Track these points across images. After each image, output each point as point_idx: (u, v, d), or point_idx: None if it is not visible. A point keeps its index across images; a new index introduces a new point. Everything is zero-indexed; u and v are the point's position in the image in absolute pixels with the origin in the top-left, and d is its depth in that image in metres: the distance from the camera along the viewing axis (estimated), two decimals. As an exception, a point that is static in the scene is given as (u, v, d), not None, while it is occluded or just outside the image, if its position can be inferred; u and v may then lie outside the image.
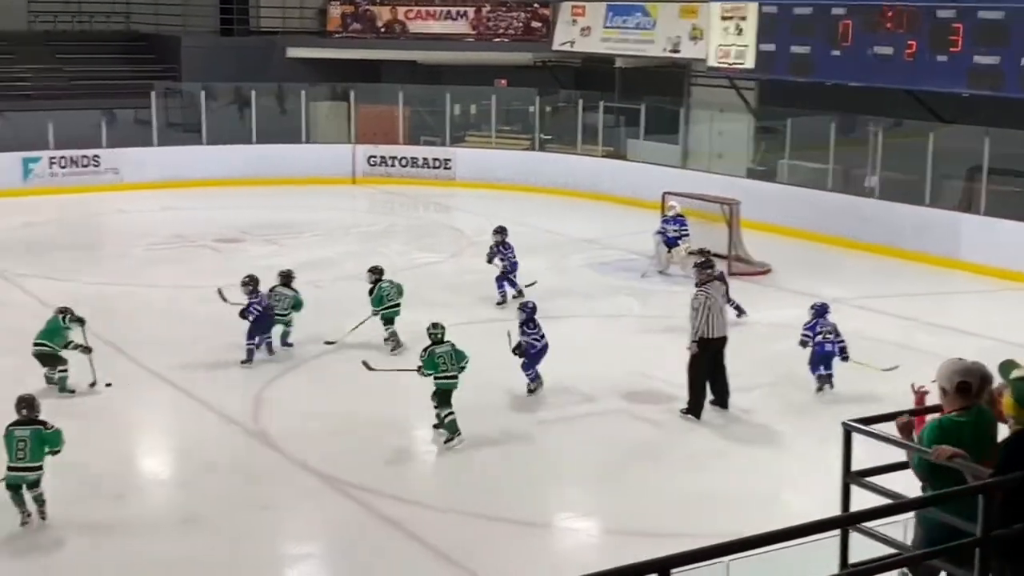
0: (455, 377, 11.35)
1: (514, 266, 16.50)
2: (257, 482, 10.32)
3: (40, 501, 9.30)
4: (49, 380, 12.40)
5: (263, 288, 13.90)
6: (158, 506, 10.23)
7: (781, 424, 11.83)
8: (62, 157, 24.83)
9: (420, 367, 11.44)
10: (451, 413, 11.17)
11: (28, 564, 8.91)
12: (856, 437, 5.72)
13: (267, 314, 13.62)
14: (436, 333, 11.56)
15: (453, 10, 28.36)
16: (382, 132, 27.47)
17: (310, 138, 27.44)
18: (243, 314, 13.44)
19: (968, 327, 15.02)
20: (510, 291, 16.35)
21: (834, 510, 5.61)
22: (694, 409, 11.82)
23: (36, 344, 12.50)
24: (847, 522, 5.43)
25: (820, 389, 12.55)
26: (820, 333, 12.71)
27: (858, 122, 21.96)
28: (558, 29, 27.05)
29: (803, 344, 12.76)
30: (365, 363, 12.21)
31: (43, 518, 9.32)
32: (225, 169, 25.64)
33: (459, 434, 11.10)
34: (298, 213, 22.90)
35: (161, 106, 26.88)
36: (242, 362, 13.31)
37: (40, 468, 9.28)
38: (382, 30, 28.88)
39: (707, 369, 11.94)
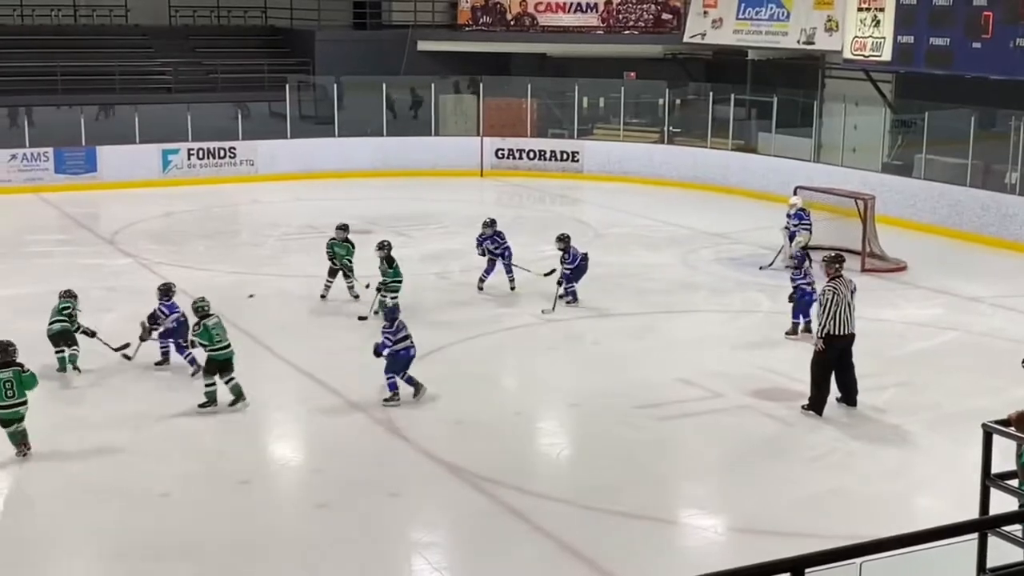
0: (229, 347, 11.86)
1: (508, 254, 16.42)
2: (385, 470, 10.51)
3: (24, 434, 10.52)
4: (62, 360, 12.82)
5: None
6: (289, 491, 10.51)
7: (913, 424, 11.57)
8: (200, 149, 25.57)
9: (193, 341, 12.03)
10: (232, 378, 11.74)
11: (169, 547, 9.22)
12: (995, 439, 5.60)
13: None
14: (203, 307, 11.99)
15: (583, 2, 28.36)
16: (510, 125, 27.64)
17: (439, 131, 27.73)
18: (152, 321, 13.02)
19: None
20: (515, 274, 16.33)
21: (967, 513, 5.51)
22: (816, 405, 11.64)
23: (53, 322, 12.88)
24: (986, 525, 5.32)
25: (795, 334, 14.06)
26: (808, 280, 13.95)
27: (999, 116, 21.32)
28: (689, 21, 26.84)
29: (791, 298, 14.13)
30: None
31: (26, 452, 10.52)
32: (356, 161, 26.13)
33: (244, 399, 11.75)
34: (426, 205, 23.22)
35: (295, 99, 27.48)
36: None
37: (25, 403, 10.44)
38: (512, 23, 29.04)
39: (833, 366, 11.73)
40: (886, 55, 21.87)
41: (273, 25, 31.86)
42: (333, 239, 16.11)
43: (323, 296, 16.13)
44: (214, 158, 25.74)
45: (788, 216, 17.68)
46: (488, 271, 16.51)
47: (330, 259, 16.11)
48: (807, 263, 14.17)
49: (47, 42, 28.73)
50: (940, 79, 21.28)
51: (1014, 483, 5.70)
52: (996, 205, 19.83)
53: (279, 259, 18.58)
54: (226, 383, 11.81)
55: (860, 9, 22.31)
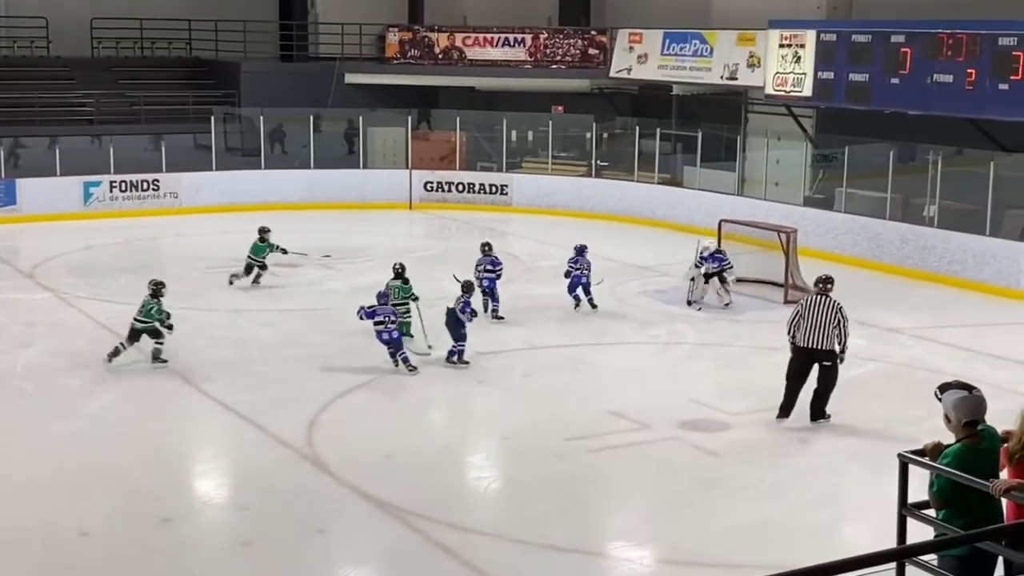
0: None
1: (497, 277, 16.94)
2: (312, 506, 10.41)
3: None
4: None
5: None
6: (213, 529, 10.36)
7: (837, 454, 11.74)
8: (122, 181, 25.26)
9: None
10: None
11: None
12: (914, 468, 5.70)
13: None
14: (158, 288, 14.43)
15: (511, 37, 28.56)
16: (439, 158, 27.70)
17: (367, 164, 27.70)
18: None
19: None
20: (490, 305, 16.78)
21: (891, 542, 5.59)
22: (781, 410, 12.32)
23: (138, 321, 14.30)
24: (903, 555, 5.41)
25: (577, 306, 17.03)
26: (579, 268, 17.06)
27: (917, 150, 21.80)
28: (615, 56, 27.14)
29: (566, 275, 17.15)
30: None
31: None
32: (282, 194, 25.98)
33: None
34: (354, 238, 23.13)
35: (220, 131, 27.29)
36: None
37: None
38: (440, 56, 29.14)
39: (794, 375, 12.29)
40: (807, 91, 22.29)
41: (198, 57, 31.62)
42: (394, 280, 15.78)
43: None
44: (137, 190, 25.45)
45: (703, 259, 17.77)
46: (495, 299, 16.81)
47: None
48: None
49: (-35, 73, 28.26)
50: (860, 114, 21.73)
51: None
52: (915, 238, 20.24)
53: (203, 293, 18.37)
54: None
55: (781, 46, 22.72)
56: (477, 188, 27.06)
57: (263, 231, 18.93)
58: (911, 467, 5.84)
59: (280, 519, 10.11)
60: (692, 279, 17.86)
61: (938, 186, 20.52)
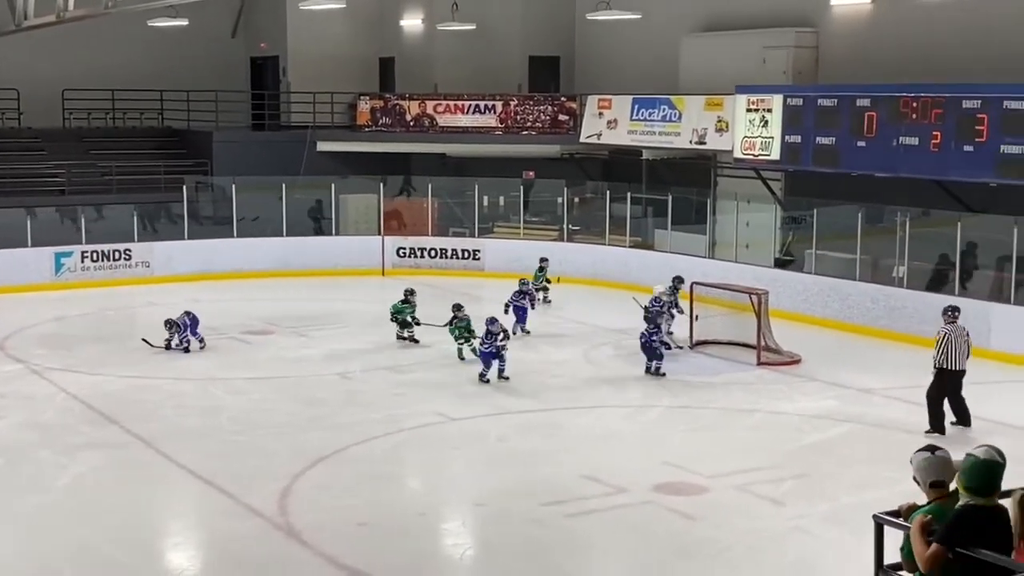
0: None
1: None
2: (285, 576, 10.31)
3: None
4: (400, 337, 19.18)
5: None
6: (186, 600, 10.22)
7: (812, 516, 11.71)
8: (94, 251, 25.20)
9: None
10: None
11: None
12: (890, 530, 5.71)
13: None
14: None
15: (481, 104, 28.82)
16: (411, 224, 27.80)
17: (340, 231, 27.75)
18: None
19: (1001, 417, 14.90)
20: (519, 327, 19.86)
21: (869, 605, 5.58)
22: (936, 428, 14.11)
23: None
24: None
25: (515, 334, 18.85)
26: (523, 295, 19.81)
27: (885, 212, 22.03)
28: (585, 122, 27.41)
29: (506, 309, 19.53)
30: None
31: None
32: (255, 262, 25.98)
33: None
34: (327, 305, 23.11)
35: (192, 200, 27.31)
36: None
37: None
38: (411, 124, 29.36)
39: (947, 395, 14.17)
40: (775, 154, 22.56)
41: (170, 126, 31.74)
42: (401, 301, 19.57)
43: (408, 338, 19.51)
44: (109, 260, 25.38)
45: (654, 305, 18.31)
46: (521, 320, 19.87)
47: (393, 319, 19.54)
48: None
49: (-64, 145, 28.24)
50: (828, 177, 21.98)
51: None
52: (885, 298, 20.40)
53: (175, 362, 18.27)
54: None
55: (749, 110, 23.03)
56: (449, 253, 27.14)
57: (408, 293, 19.84)
58: (887, 529, 5.85)
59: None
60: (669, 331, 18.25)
61: (907, 247, 20.73)
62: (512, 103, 28.76)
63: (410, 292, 19.81)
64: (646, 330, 17.40)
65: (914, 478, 5.93)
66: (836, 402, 16.12)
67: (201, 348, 18.84)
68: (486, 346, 16.62)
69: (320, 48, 32.18)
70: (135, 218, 25.96)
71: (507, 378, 16.75)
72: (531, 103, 28.81)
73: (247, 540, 11.12)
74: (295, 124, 30.92)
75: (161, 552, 11.27)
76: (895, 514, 5.83)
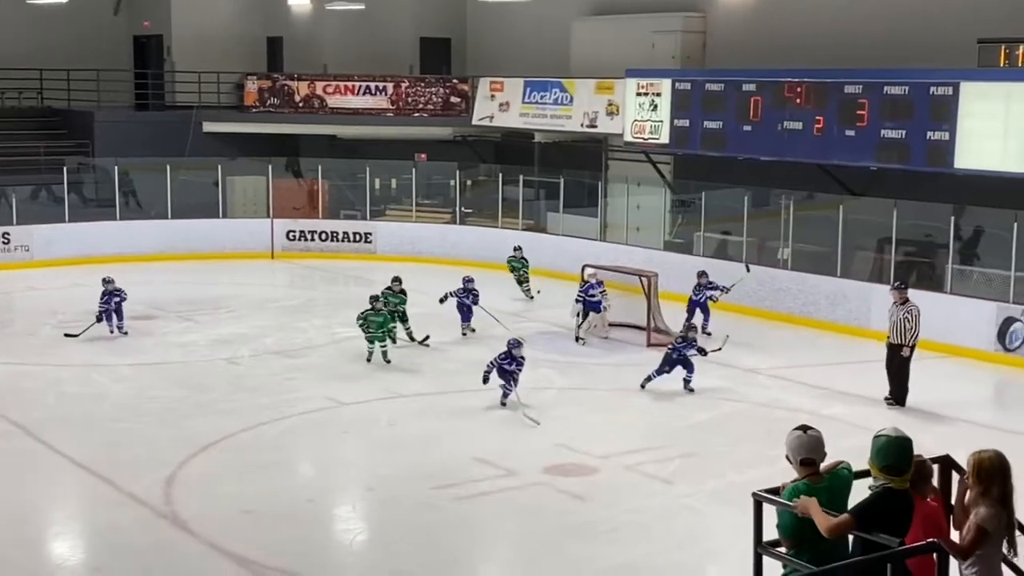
0: None
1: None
2: (172, 565, 10.13)
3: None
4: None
5: None
6: (68, 592, 10.00)
7: (700, 494, 11.91)
8: (-30, 235, 24.45)
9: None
10: None
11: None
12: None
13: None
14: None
15: (372, 85, 28.58)
16: (301, 207, 27.48)
17: (227, 213, 27.33)
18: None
19: (880, 396, 15.31)
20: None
21: (751, 580, 5.69)
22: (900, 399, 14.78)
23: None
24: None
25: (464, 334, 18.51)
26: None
27: (771, 195, 22.44)
28: (477, 104, 27.38)
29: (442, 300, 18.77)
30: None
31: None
32: (139, 245, 25.43)
33: None
34: (214, 289, 22.74)
35: (74, 181, 26.62)
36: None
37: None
38: (300, 105, 29.00)
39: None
40: (664, 138, 22.82)
41: (50, 106, 30.86)
42: (388, 289, 17.96)
43: (420, 341, 18.01)
44: (-14, 244, 24.64)
45: (590, 287, 18.34)
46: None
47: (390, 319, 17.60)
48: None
49: None
50: (715, 160, 22.32)
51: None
52: (770, 280, 20.79)
53: (56, 348, 17.81)
54: None
55: (639, 94, 23.24)
56: (340, 236, 26.90)
57: (397, 280, 18.49)
58: (767, 505, 5.97)
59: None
60: (577, 314, 18.24)
61: (791, 230, 21.14)
62: (403, 85, 28.59)
63: (395, 280, 18.35)
64: (676, 342, 15.76)
65: (787, 456, 6.08)
66: (723, 382, 16.39)
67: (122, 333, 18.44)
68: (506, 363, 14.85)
69: (205, 27, 31.57)
70: (13, 201, 25.20)
71: (530, 418, 14.39)
72: (423, 85, 28.68)
73: (131, 530, 10.90)
74: (180, 104, 30.30)
75: (42, 542, 11.00)
76: (775, 491, 5.96)
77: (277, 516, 11.25)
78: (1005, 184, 17.91)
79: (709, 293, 18.90)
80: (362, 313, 17.01)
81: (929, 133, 18.45)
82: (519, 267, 22.00)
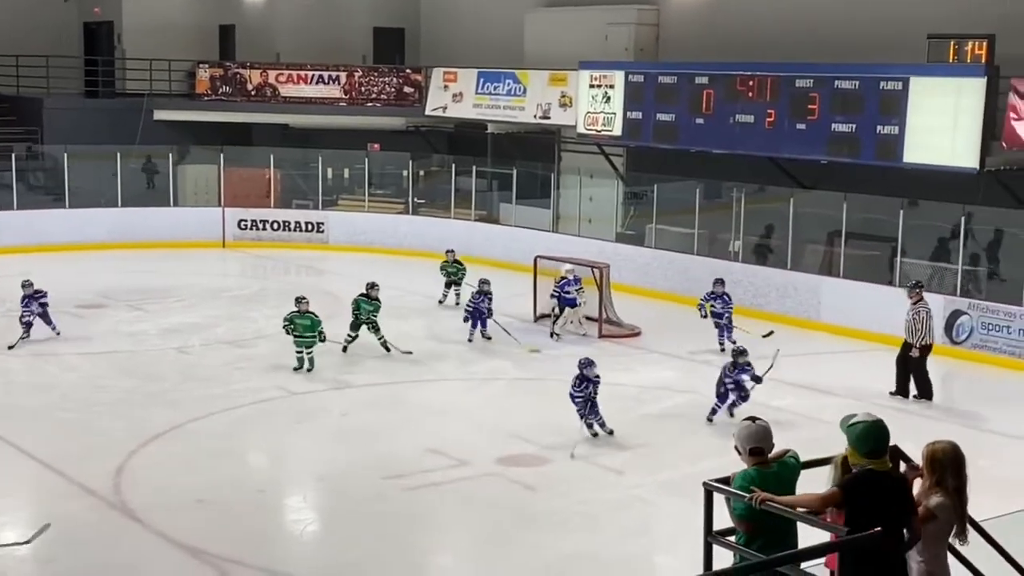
0: None
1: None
2: (121, 556, 10.04)
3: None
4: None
5: None
6: (15, 583, 9.88)
7: (651, 485, 11.98)
8: (-85, 222, 24.06)
9: None
10: None
11: None
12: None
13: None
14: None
15: (325, 75, 28.41)
16: (253, 195, 27.27)
17: (178, 202, 27.07)
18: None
19: (829, 387, 15.47)
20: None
21: (700, 569, 5.72)
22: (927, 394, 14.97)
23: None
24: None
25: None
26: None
27: (723, 188, 22.56)
28: (430, 95, 27.30)
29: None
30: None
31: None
32: (89, 233, 25.13)
33: None
34: (164, 278, 22.50)
35: (22, 169, 26.25)
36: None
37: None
38: (253, 93, 28.76)
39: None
40: (617, 130, 22.87)
41: (-2, 92, 30.41)
42: (363, 295, 16.82)
43: (344, 349, 16.69)
44: (-68, 231, 24.26)
45: (567, 283, 18.23)
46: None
47: (355, 314, 16.71)
48: None
49: None
50: (668, 153, 22.39)
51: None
52: (722, 272, 20.86)
53: (2, 337, 17.54)
54: None
55: (592, 86, 23.27)
56: (292, 226, 26.75)
57: (372, 287, 17.05)
58: (716, 496, 6.01)
59: (88, 570, 9.72)
60: (553, 310, 18.30)
61: (742, 222, 21.28)
62: (356, 74, 28.44)
63: (371, 286, 17.04)
64: (728, 368, 14.10)
65: (735, 447, 6.15)
66: (674, 373, 16.48)
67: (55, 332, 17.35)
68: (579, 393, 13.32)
69: (157, 14, 31.19)
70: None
71: (611, 431, 13.34)
72: (376, 75, 28.54)
73: (80, 519, 10.81)
74: (131, 92, 29.94)
75: (-12, 534, 10.86)
76: (725, 481, 6.00)
77: (227, 506, 11.19)
78: (952, 178, 18.11)
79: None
80: (287, 315, 15.87)
81: (879, 127, 18.63)
82: (455, 272, 20.53)
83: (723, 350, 16.79)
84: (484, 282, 18.11)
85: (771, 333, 17.07)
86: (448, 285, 20.59)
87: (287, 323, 15.90)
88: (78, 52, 32.45)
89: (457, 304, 19.90)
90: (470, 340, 17.84)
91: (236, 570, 9.68)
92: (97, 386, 15.21)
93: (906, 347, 15.05)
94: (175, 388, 15.10)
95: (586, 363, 13.24)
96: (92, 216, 25.70)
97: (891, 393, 15.10)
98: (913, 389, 15.08)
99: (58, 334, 17.33)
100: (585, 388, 13.13)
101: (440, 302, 20.49)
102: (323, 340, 15.90)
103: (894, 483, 5.80)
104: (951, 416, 14.47)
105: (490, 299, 17.98)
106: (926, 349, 15.01)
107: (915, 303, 15.07)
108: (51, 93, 28.95)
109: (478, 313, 17.92)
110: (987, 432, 13.81)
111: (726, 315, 17.59)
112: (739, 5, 23.21)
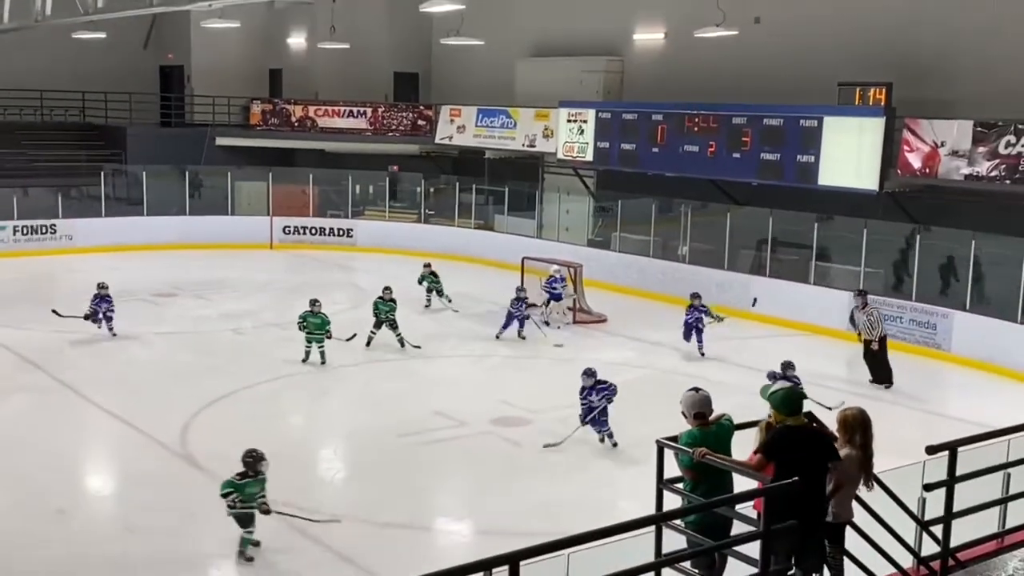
0: None
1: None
2: (185, 496, 10.02)
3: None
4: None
5: None
6: (102, 519, 9.85)
7: (621, 442, 11.95)
8: (24, 226, 23.96)
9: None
10: None
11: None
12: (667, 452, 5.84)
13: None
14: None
15: (354, 109, 28.36)
16: (295, 207, 27.21)
17: (234, 211, 26.99)
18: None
19: (757, 364, 15.42)
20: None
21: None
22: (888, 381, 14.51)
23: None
24: (659, 520, 5.56)
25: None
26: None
27: (673, 204, 22.54)
28: (439, 126, 27.23)
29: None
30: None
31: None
32: (162, 236, 25.05)
33: None
34: (223, 272, 22.43)
35: (109, 184, 26.18)
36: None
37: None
38: (296, 124, 28.68)
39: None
40: (589, 156, 22.83)
41: (90, 122, 30.22)
42: (380, 298, 15.95)
43: (368, 343, 15.80)
44: (37, 234, 24.16)
45: (554, 281, 18.16)
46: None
47: (375, 315, 15.94)
48: None
49: None
50: (630, 175, 22.35)
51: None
52: (672, 271, 20.89)
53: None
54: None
55: (569, 121, 23.23)
56: (327, 231, 26.67)
57: (387, 290, 15.99)
58: (667, 451, 6.01)
59: (158, 508, 9.70)
60: (545, 302, 18.12)
61: (689, 232, 21.26)
62: (380, 110, 28.35)
63: (385, 289, 16.07)
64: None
65: (682, 412, 6.15)
66: (634, 352, 16.48)
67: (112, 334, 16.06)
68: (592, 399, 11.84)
69: (219, 59, 31.06)
70: (59, 199, 24.75)
71: (615, 444, 11.80)
72: (395, 110, 28.45)
73: (153, 467, 10.78)
74: (197, 123, 29.83)
75: (80, 477, 10.84)
76: (674, 439, 6.01)
77: (272, 456, 11.12)
78: (857, 198, 18.14)
79: (699, 315, 15.92)
80: (302, 314, 15.01)
81: (799, 156, 18.62)
82: (433, 281, 19.07)
83: (703, 355, 16.00)
84: (520, 289, 17.12)
85: (755, 301, 17.12)
86: (429, 291, 19.33)
87: (301, 321, 14.97)
88: (155, 90, 32.27)
89: (445, 303, 19.00)
90: (498, 337, 16.71)
91: (281, 508, 9.65)
92: (167, 360, 15.16)
93: (867, 344, 14.61)
94: (230, 362, 15.05)
95: (584, 373, 11.87)
96: (165, 222, 25.59)
97: (870, 382, 14.65)
98: (868, 375, 14.70)
99: (114, 335, 16.08)
100: (587, 396, 11.73)
101: (426, 306, 19.18)
102: (330, 337, 14.91)
103: (810, 433, 5.83)
104: (851, 388, 14.46)
105: (526, 304, 16.91)
106: (883, 341, 14.63)
107: (864, 307, 14.68)
108: (133, 123, 28.82)
109: (519, 316, 16.75)
110: (891, 404, 13.83)
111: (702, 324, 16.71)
112: (688, 58, 23.17)
